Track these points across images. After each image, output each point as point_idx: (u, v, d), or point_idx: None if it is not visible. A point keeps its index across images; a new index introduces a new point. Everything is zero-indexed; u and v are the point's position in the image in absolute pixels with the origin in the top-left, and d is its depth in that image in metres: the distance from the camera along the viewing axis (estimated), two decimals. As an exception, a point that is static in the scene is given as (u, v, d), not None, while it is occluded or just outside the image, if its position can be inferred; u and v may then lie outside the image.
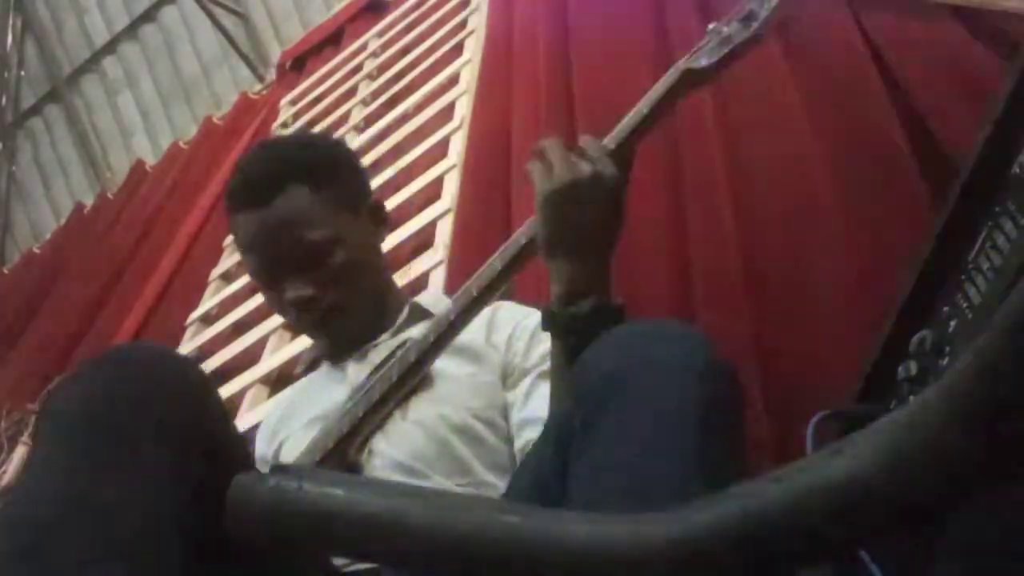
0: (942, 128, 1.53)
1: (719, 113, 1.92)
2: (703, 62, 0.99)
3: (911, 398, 0.78)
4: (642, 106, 1.01)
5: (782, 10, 0.98)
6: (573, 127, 2.23)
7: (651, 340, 0.76)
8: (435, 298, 1.29)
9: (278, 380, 2.16)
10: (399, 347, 1.10)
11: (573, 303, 0.93)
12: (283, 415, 1.24)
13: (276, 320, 2.37)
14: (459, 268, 1.93)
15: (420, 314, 1.21)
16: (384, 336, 1.21)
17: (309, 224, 1.10)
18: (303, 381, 1.32)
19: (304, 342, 2.16)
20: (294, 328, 2.30)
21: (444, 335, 1.02)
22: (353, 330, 1.18)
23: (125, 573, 0.65)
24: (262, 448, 1.24)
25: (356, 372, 1.17)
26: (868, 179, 1.56)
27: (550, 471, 0.79)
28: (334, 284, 1.12)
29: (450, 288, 1.91)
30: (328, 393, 1.18)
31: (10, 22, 5.77)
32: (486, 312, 1.14)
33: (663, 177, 1.87)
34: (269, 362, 2.21)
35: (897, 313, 0.84)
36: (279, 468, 0.58)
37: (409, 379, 1.04)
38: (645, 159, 1.97)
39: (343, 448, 1.02)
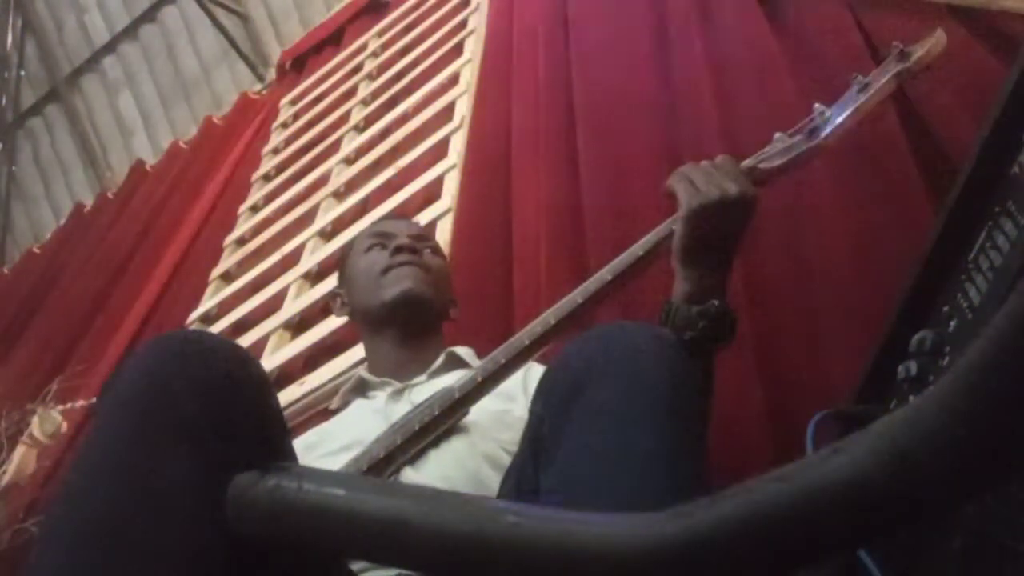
0: (942, 128, 1.53)
1: (719, 113, 1.92)
2: (765, 165, 1.06)
3: (911, 398, 0.78)
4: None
5: (844, 129, 1.03)
6: (573, 127, 2.23)
7: (612, 339, 0.82)
8: (469, 352, 1.34)
9: (278, 380, 2.16)
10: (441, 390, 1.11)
11: (700, 302, 1.00)
12: (308, 445, 1.24)
13: (276, 320, 2.37)
14: (459, 268, 1.93)
15: (455, 362, 1.29)
16: (420, 378, 1.26)
17: (433, 239, 1.49)
18: (331, 421, 1.33)
19: (305, 340, 2.16)
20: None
21: (491, 377, 1.03)
22: (424, 294, 1.32)
23: (176, 563, 0.65)
24: None
25: (392, 407, 1.19)
26: (868, 179, 1.56)
27: (528, 467, 0.85)
28: (431, 263, 1.37)
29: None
30: (362, 424, 1.18)
31: (10, 22, 5.77)
32: (520, 371, 1.19)
33: (664, 176, 1.87)
34: (269, 362, 2.21)
35: (897, 313, 0.84)
36: (280, 468, 0.58)
37: (450, 415, 1.05)
38: (645, 157, 1.97)
39: (376, 473, 1.02)
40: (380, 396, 1.26)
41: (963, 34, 1.66)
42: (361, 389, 1.31)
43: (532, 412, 0.88)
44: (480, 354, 1.29)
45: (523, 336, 1.04)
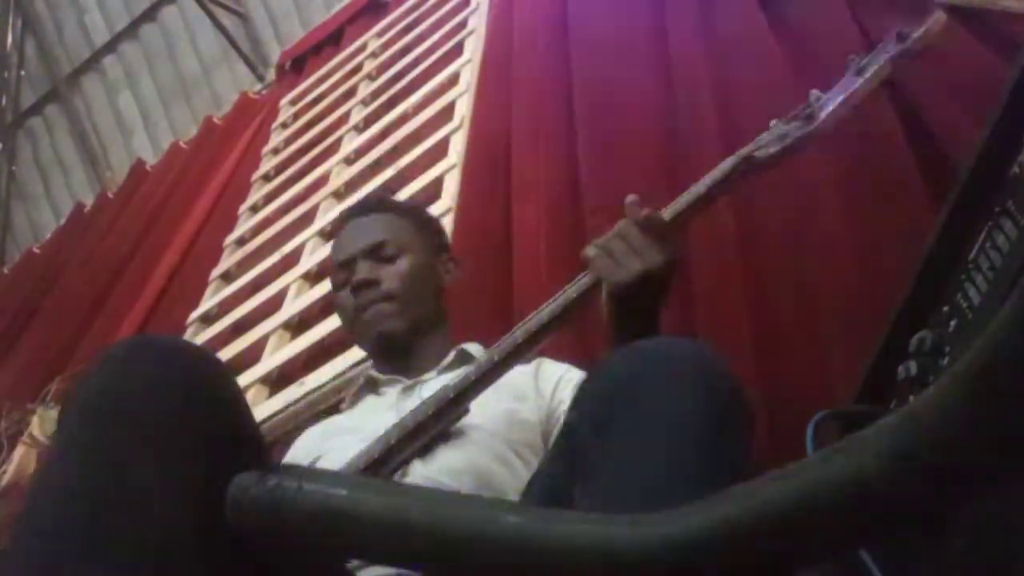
0: (942, 128, 1.53)
1: (719, 113, 1.92)
2: (761, 153, 1.06)
3: (911, 398, 0.78)
4: (700, 186, 1.08)
5: (840, 113, 1.04)
6: (572, 128, 2.23)
7: (660, 355, 0.79)
8: (479, 349, 1.33)
9: (278, 380, 2.16)
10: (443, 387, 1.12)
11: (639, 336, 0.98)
12: (324, 433, 1.27)
13: (276, 320, 2.37)
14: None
15: (465, 359, 1.28)
16: (430, 374, 1.26)
17: (390, 233, 1.36)
18: (343, 415, 1.35)
19: (305, 340, 2.16)
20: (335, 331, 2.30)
21: (486, 376, 1.05)
22: (396, 330, 1.28)
23: (151, 567, 0.65)
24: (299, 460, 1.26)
25: (404, 403, 1.20)
26: (868, 179, 1.56)
27: (560, 477, 0.82)
28: (394, 279, 1.30)
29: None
30: (374, 417, 1.19)
31: (10, 22, 5.76)
32: (531, 364, 1.21)
33: (665, 175, 1.87)
34: (269, 362, 2.21)
35: (897, 313, 0.84)
36: (280, 468, 0.58)
37: (445, 414, 1.06)
38: (645, 156, 1.97)
39: (374, 471, 1.04)
40: (391, 392, 1.26)
41: (963, 34, 1.66)
42: (371, 386, 1.32)
43: (567, 423, 0.87)
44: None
45: (517, 333, 1.07)
